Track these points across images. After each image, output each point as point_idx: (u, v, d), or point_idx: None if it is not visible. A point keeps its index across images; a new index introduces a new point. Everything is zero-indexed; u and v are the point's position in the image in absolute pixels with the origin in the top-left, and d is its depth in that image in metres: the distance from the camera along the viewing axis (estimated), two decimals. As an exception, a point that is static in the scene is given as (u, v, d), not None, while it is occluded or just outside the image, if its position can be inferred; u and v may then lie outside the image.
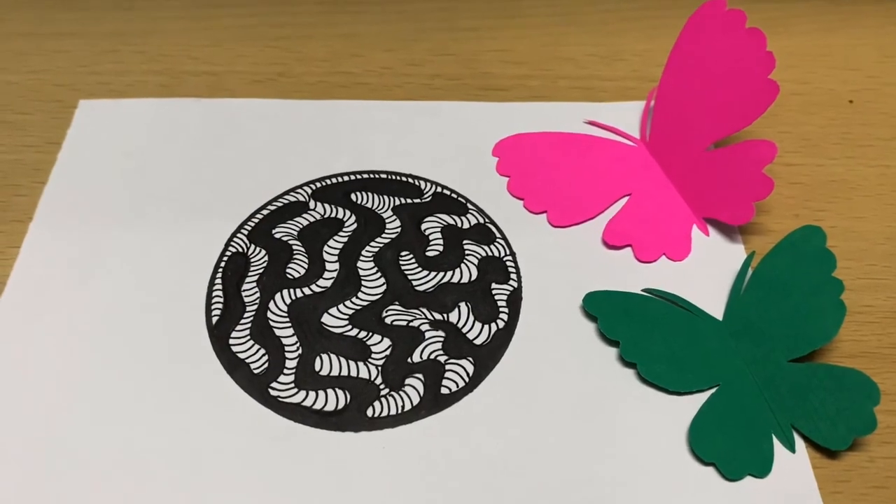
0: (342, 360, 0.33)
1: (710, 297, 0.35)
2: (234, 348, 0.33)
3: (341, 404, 0.32)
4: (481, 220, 0.38)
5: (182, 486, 0.30)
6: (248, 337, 0.34)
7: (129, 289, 0.35)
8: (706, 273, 0.36)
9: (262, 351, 0.33)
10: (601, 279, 0.36)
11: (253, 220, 0.38)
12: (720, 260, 0.37)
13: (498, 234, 0.37)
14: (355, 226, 0.38)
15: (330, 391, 0.32)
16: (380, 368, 0.33)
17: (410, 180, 0.39)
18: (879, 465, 0.31)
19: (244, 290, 0.35)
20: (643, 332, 0.34)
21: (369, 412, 0.32)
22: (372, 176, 0.40)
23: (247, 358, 0.33)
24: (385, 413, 0.32)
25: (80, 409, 0.31)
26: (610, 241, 0.37)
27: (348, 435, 0.31)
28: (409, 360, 0.33)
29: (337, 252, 0.37)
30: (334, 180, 0.39)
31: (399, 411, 0.32)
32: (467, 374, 0.33)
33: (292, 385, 0.32)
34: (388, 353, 0.33)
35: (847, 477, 0.30)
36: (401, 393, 0.32)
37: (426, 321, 0.34)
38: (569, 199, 0.39)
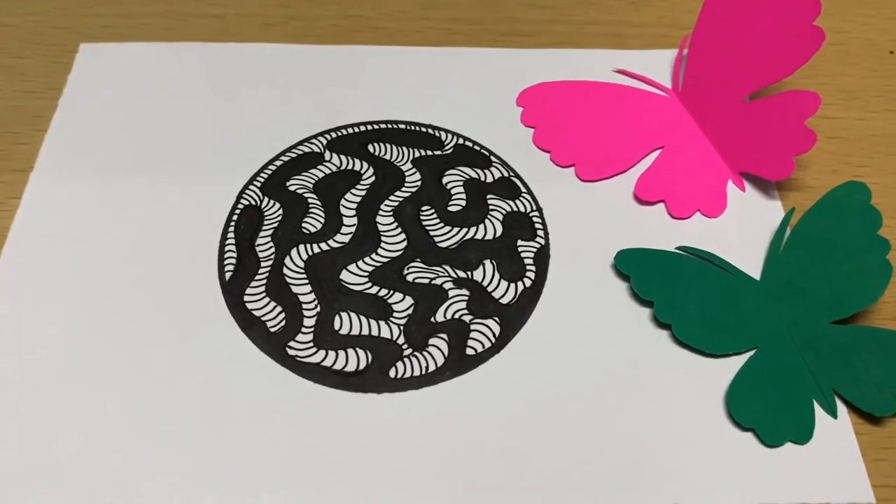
0: (362, 318, 0.31)
1: (746, 255, 0.34)
2: (249, 305, 0.32)
3: (362, 364, 0.30)
4: (506, 174, 0.36)
5: (196, 450, 0.28)
6: (264, 294, 0.32)
7: (136, 242, 0.33)
8: (742, 230, 0.35)
9: (279, 308, 0.32)
10: (633, 236, 0.34)
11: (265, 171, 0.36)
12: (757, 217, 0.35)
13: (523, 189, 0.36)
14: (373, 178, 0.36)
15: (350, 351, 0.31)
16: (402, 328, 0.31)
17: (430, 131, 0.37)
18: (924, 432, 0.30)
19: (258, 245, 0.33)
20: (678, 292, 0.32)
21: (392, 373, 0.30)
22: (390, 126, 0.38)
23: (262, 315, 0.31)
24: (408, 374, 0.30)
25: (86, 369, 0.30)
26: (642, 197, 0.35)
27: (370, 396, 0.30)
28: (432, 319, 0.31)
29: (355, 206, 0.35)
30: (350, 130, 0.37)
31: (423, 372, 0.30)
32: (494, 334, 0.31)
33: (311, 344, 0.31)
34: (410, 311, 0.32)
35: (892, 444, 0.29)
36: (424, 353, 0.31)
37: (449, 279, 0.33)
38: (598, 152, 0.37)
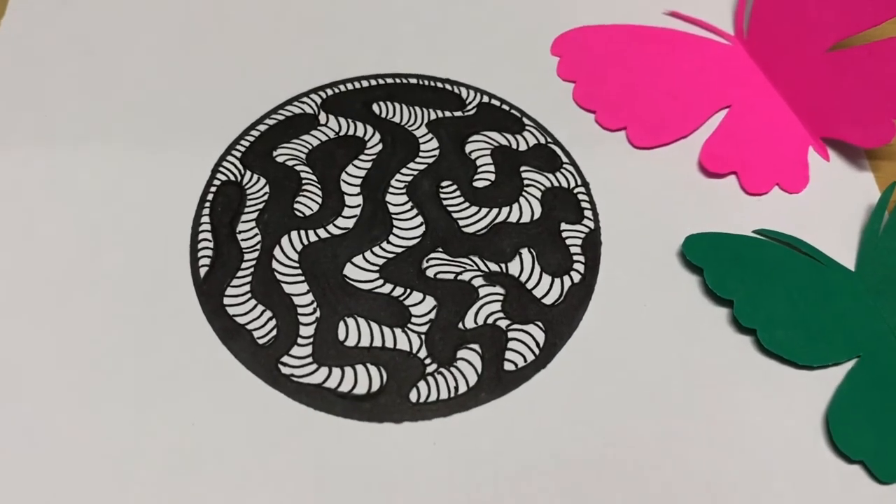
0: (373, 325, 0.25)
1: (835, 240, 0.28)
2: (231, 310, 0.25)
3: (376, 385, 0.24)
4: (542, 140, 0.30)
5: (168, 495, 0.22)
6: (249, 294, 0.26)
7: (85, 229, 0.27)
8: (829, 209, 0.29)
9: (268, 314, 0.25)
10: (700, 217, 0.28)
11: (247, 138, 0.29)
12: (845, 192, 0.29)
13: (565, 158, 0.29)
14: (380, 146, 0.29)
15: (360, 367, 0.25)
16: (423, 337, 0.25)
17: (448, 87, 0.31)
18: None
19: (240, 232, 0.27)
20: (761, 288, 0.26)
21: (413, 396, 0.24)
22: (399, 81, 0.31)
23: (247, 323, 0.25)
24: (434, 397, 0.24)
25: (25, 389, 0.24)
26: (710, 168, 0.29)
27: (386, 427, 0.24)
28: (460, 325, 0.25)
29: (359, 182, 0.28)
30: (350, 86, 0.31)
31: (452, 394, 0.24)
32: (537, 343, 0.25)
33: (310, 359, 0.25)
34: (432, 316, 0.26)
35: None
36: (453, 370, 0.25)
37: (479, 274, 0.26)
38: (653, 113, 0.30)
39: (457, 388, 0.24)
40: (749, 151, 0.29)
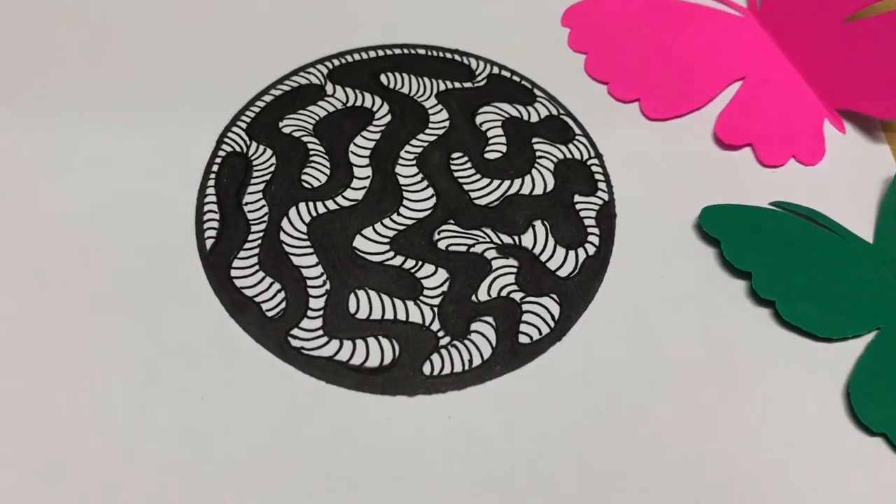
0: (385, 298, 0.25)
1: (852, 212, 0.27)
2: (238, 282, 0.25)
3: (388, 358, 0.24)
4: (554, 111, 0.29)
5: (175, 472, 0.22)
6: (256, 267, 0.25)
7: (85, 202, 0.26)
8: (846, 181, 0.28)
9: (277, 286, 0.25)
10: (715, 189, 0.28)
11: (252, 108, 0.28)
12: (861, 164, 0.29)
13: (577, 130, 0.29)
14: (389, 118, 0.28)
15: (372, 340, 0.24)
16: (436, 310, 0.25)
17: (458, 58, 0.30)
18: None
19: (246, 204, 0.26)
20: (780, 260, 0.26)
21: (426, 369, 0.24)
22: (407, 51, 0.30)
23: (256, 295, 0.24)
24: (448, 370, 0.24)
25: (34, 366, 0.23)
26: (725, 140, 0.28)
27: (400, 400, 0.23)
28: (473, 298, 0.25)
29: (367, 153, 0.28)
30: (357, 57, 0.30)
31: (466, 367, 0.24)
32: (552, 316, 0.25)
33: (320, 332, 0.24)
34: (445, 288, 0.25)
35: None
36: (466, 343, 0.24)
37: (492, 246, 0.26)
38: (667, 84, 0.30)
39: (471, 361, 0.24)
40: (764, 123, 0.29)
